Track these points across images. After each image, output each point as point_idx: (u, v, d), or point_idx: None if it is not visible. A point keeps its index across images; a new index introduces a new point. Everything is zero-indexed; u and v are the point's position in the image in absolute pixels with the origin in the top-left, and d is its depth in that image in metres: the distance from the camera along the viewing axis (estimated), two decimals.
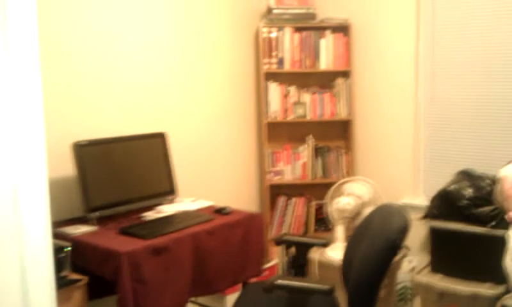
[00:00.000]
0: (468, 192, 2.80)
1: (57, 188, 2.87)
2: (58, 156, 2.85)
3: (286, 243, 2.62)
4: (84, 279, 2.42)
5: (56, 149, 2.85)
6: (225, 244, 2.77)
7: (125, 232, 2.58)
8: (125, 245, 2.41)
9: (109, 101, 3.13)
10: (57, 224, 2.75)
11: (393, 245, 2.03)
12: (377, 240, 2.06)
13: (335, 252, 3.36)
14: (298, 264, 2.59)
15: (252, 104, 4.14)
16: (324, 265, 3.32)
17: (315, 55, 4.03)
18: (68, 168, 2.85)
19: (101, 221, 2.77)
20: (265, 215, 4.05)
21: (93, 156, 2.79)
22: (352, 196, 3.37)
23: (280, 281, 2.05)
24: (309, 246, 2.59)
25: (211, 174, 3.82)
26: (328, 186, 3.79)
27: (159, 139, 3.14)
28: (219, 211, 2.94)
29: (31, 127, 1.49)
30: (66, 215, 2.89)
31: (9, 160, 1.45)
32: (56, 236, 2.59)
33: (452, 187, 2.88)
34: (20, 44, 1.43)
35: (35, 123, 1.52)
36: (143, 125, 3.32)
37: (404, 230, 2.06)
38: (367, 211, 3.30)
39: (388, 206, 2.28)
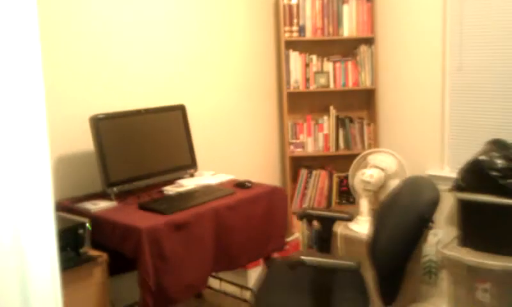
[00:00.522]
0: (500, 162, 2.68)
1: (77, 163, 2.82)
2: (77, 130, 2.81)
3: (309, 217, 2.54)
4: (104, 255, 2.38)
5: (75, 124, 2.80)
6: (247, 219, 2.71)
7: (144, 207, 2.52)
8: (144, 220, 2.35)
9: (127, 74, 3.05)
10: (78, 199, 2.72)
11: (424, 219, 1.94)
12: (408, 214, 1.97)
13: (360, 226, 3.27)
14: (322, 238, 2.51)
15: (272, 74, 4.03)
16: (349, 239, 3.24)
17: (338, 22, 3.89)
18: (88, 142, 2.80)
19: (120, 196, 2.72)
20: (287, 188, 3.98)
21: (111, 130, 2.72)
22: (376, 168, 3.27)
23: (305, 258, 1.97)
24: (333, 220, 2.50)
25: (231, 147, 3.74)
26: (350, 158, 3.68)
27: (178, 111, 3.06)
28: (240, 185, 2.87)
29: (33, 126, 1.41)
30: (88, 190, 2.85)
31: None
32: (76, 212, 2.56)
33: (482, 157, 2.75)
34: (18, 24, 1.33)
35: (37, 126, 1.43)
36: (161, 97, 3.24)
37: (435, 204, 1.97)
38: (392, 183, 3.21)
39: (417, 179, 2.17)
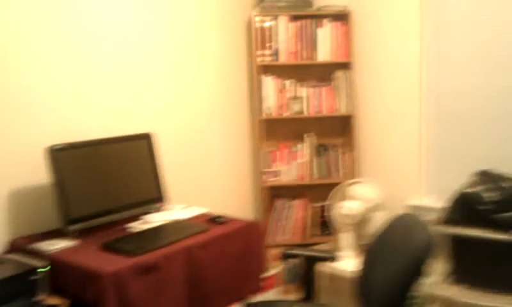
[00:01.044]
0: (490, 195, 2.54)
1: (31, 197, 2.56)
2: (32, 162, 2.55)
3: (293, 257, 2.34)
4: (64, 303, 2.12)
5: (30, 155, 2.55)
6: (222, 258, 2.48)
7: (108, 248, 2.27)
8: (108, 264, 2.10)
9: (87, 99, 2.81)
10: (34, 238, 2.45)
11: (420, 264, 1.77)
12: (402, 259, 1.80)
13: (344, 263, 3.08)
14: (304, 277, 2.32)
15: (245, 100, 3.84)
16: (332, 277, 3.04)
17: (313, 46, 3.74)
18: (42, 175, 2.54)
19: (81, 234, 2.47)
20: (261, 219, 3.77)
21: (71, 161, 2.47)
22: (358, 200, 3.10)
23: None
24: (317, 260, 2.32)
25: (203, 178, 3.52)
26: (328, 187, 3.51)
27: (143, 140, 2.83)
28: (214, 220, 2.65)
29: None
30: (42, 227, 2.58)
31: None
32: (31, 253, 2.30)
33: (470, 189, 2.61)
34: None
35: None
36: (126, 124, 3.01)
37: (430, 247, 1.80)
38: (374, 216, 3.04)
39: (408, 218, 2.00)
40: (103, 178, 2.59)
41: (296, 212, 3.81)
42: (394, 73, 3.64)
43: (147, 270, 2.16)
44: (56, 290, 2.17)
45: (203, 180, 3.52)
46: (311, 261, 2.34)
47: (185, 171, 3.39)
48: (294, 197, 3.86)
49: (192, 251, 2.35)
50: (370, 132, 3.80)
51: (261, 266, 2.70)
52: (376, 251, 2.03)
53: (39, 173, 2.57)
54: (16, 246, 2.40)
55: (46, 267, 2.12)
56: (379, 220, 3.07)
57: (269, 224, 3.81)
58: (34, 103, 2.57)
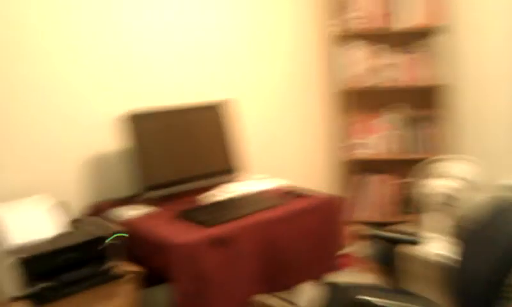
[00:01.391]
0: None
1: (111, 163, 2.58)
2: (111, 129, 2.56)
3: (378, 238, 2.19)
4: (136, 270, 2.11)
5: (109, 121, 2.56)
6: (298, 233, 2.38)
7: (183, 217, 2.24)
8: (180, 234, 2.06)
9: (166, 67, 2.78)
10: (111, 203, 2.47)
11: None
12: (502, 247, 1.60)
13: (430, 246, 2.87)
14: (385, 258, 2.17)
15: (327, 69, 3.66)
16: (416, 260, 2.85)
17: (403, 8, 3.47)
18: (118, 142, 2.56)
19: (158, 202, 2.45)
20: (341, 194, 3.62)
21: (149, 128, 2.45)
22: (448, 178, 2.86)
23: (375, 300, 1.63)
24: (400, 242, 2.15)
25: (283, 149, 3.41)
26: (414, 162, 3.28)
27: (222, 109, 2.76)
28: (292, 193, 2.54)
29: None
30: (121, 193, 2.61)
31: None
32: (108, 218, 2.31)
33: None
34: None
35: None
36: (206, 94, 2.95)
37: None
38: (469, 197, 2.80)
39: (508, 202, 1.78)
40: (180, 145, 2.56)
41: (377, 188, 3.62)
42: (499, 38, 3.29)
43: (220, 242, 2.10)
44: (129, 257, 2.19)
45: (284, 151, 3.41)
46: (392, 242, 2.18)
47: (266, 141, 3.29)
48: (375, 172, 3.66)
49: (267, 224, 2.26)
50: (468, 104, 3.48)
51: (338, 243, 2.57)
52: (475, 238, 1.83)
53: (119, 140, 2.59)
54: (96, 210, 2.43)
55: (121, 232, 2.12)
56: (472, 202, 2.83)
57: (347, 200, 3.65)
58: (114, 73, 2.57)
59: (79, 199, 2.48)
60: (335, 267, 2.57)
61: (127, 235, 2.19)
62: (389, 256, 2.19)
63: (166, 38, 2.75)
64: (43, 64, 2.34)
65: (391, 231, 2.28)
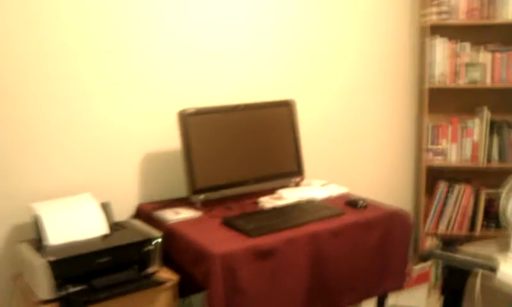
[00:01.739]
0: None
1: (162, 162, 2.48)
2: (165, 126, 2.46)
3: (436, 258, 1.92)
4: (174, 278, 2.00)
5: (162, 118, 2.46)
6: (356, 248, 2.15)
7: (228, 224, 2.10)
8: (222, 243, 1.91)
9: (226, 63, 2.64)
10: (159, 204, 2.37)
11: None
12: None
13: None
14: (452, 289, 1.89)
15: (408, 66, 3.35)
16: (494, 289, 2.49)
17: (497, 1, 3.10)
18: (176, 140, 2.46)
19: (207, 205, 2.33)
20: (420, 204, 3.31)
21: (202, 127, 2.32)
22: None
23: None
24: (473, 266, 1.86)
25: (348, 152, 3.16)
26: (505, 173, 2.92)
27: (284, 107, 2.57)
28: (353, 204, 2.31)
29: None
30: (171, 194, 2.51)
31: None
32: (152, 220, 2.22)
33: None
34: None
35: None
36: (265, 92, 2.78)
37: None
38: None
39: None
40: (236, 146, 2.41)
41: (464, 199, 3.26)
42: None
43: (264, 254, 1.92)
44: (170, 262, 2.07)
45: (349, 155, 3.16)
46: (466, 267, 1.90)
47: (329, 143, 3.07)
48: (459, 181, 3.31)
49: (320, 237, 2.05)
50: None
51: (405, 261, 2.31)
52: None
53: (173, 138, 2.49)
54: (143, 211, 2.35)
55: (160, 238, 2.01)
56: None
57: (430, 211, 3.33)
58: (172, 65, 2.47)
59: (128, 199, 2.41)
60: (399, 286, 2.31)
61: (161, 240, 2.09)
62: (461, 282, 1.91)
63: (228, 34, 2.62)
64: (103, 60, 2.28)
65: (466, 253, 1.98)
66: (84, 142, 2.27)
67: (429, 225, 3.30)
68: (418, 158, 3.39)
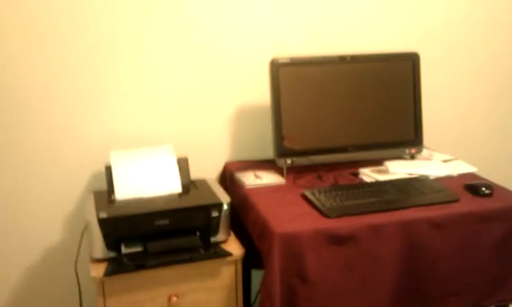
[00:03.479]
0: None
1: (255, 118, 2.24)
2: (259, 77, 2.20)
3: None
4: (240, 251, 1.77)
5: (257, 68, 2.19)
6: (467, 245, 1.71)
7: (307, 197, 1.79)
8: (292, 220, 1.63)
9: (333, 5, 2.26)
10: (243, 165, 2.15)
11: None
12: None
13: None
14: None
15: None
16: None
17: None
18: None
19: (297, 171, 2.03)
20: None
21: (297, 80, 2.00)
22: None
23: None
24: None
25: (486, 122, 2.59)
26: None
27: (403, 62, 2.12)
28: (474, 188, 1.84)
29: None
30: (262, 155, 2.26)
31: None
32: (234, 183, 2.01)
33: None
34: None
35: None
36: (378, 41, 2.35)
37: None
38: None
39: None
40: (337, 106, 2.06)
41: None
42: None
43: (340, 240, 1.60)
44: (242, 231, 1.86)
45: (487, 126, 2.59)
46: None
47: (462, 109, 2.54)
48: None
49: (417, 227, 1.66)
50: None
51: None
52: None
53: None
54: (228, 170, 2.15)
55: (227, 205, 1.78)
56: None
57: None
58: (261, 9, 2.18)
59: (218, 156, 2.22)
60: None
61: (240, 207, 1.86)
62: None
63: None
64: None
65: None
66: (172, 92, 2.12)
67: None
68: None
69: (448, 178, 1.98)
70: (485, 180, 1.96)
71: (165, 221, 1.71)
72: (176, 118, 2.14)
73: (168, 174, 1.91)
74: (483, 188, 1.82)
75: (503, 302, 1.81)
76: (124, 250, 1.67)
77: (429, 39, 2.40)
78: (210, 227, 1.77)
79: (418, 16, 2.37)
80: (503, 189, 1.88)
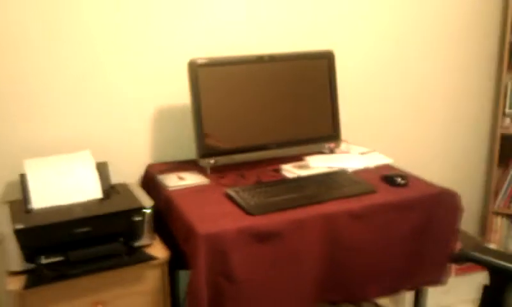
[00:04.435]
0: None
1: (175, 120, 2.22)
2: (179, 79, 2.19)
3: (470, 261, 1.50)
4: (165, 254, 1.76)
5: (176, 70, 2.18)
6: (385, 234, 1.78)
7: (230, 196, 1.81)
8: (215, 219, 1.63)
9: (250, 10, 2.29)
10: (166, 167, 2.13)
11: None
12: None
13: None
14: (491, 297, 1.48)
15: (489, 11, 2.79)
16: None
17: None
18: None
19: (220, 170, 2.05)
20: (492, 177, 2.82)
21: (216, 80, 2.01)
22: None
23: None
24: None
25: (403, 114, 2.72)
26: None
27: (319, 60, 2.19)
28: (390, 179, 1.93)
29: None
30: (182, 155, 2.26)
31: None
32: (155, 185, 1.99)
33: None
34: None
35: None
36: (300, 41, 2.41)
37: None
38: None
39: None
40: (257, 104, 2.09)
41: None
42: None
43: (264, 237, 1.62)
44: (167, 234, 1.84)
45: (403, 117, 2.73)
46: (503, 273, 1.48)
47: (378, 102, 2.65)
48: None
49: (337, 219, 1.71)
50: None
51: (448, 251, 1.91)
52: None
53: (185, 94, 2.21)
54: (149, 173, 2.12)
55: (150, 208, 1.76)
56: None
57: (502, 187, 2.82)
58: (183, 10, 2.17)
59: (138, 159, 2.19)
60: (439, 282, 1.93)
61: (164, 209, 1.85)
62: (502, 292, 1.50)
63: None
64: (111, 11, 2.04)
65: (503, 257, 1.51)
66: (91, 96, 2.06)
67: (500, 202, 2.80)
68: (493, 125, 2.87)
69: (366, 170, 2.06)
70: (400, 170, 2.05)
71: (86, 229, 1.66)
72: (95, 122, 2.09)
73: (87, 180, 1.86)
74: (399, 179, 1.91)
75: (418, 286, 1.91)
76: (44, 260, 1.61)
77: (344, 38, 2.48)
78: (133, 232, 1.74)
79: (333, 14, 2.44)
80: (417, 179, 1.98)
